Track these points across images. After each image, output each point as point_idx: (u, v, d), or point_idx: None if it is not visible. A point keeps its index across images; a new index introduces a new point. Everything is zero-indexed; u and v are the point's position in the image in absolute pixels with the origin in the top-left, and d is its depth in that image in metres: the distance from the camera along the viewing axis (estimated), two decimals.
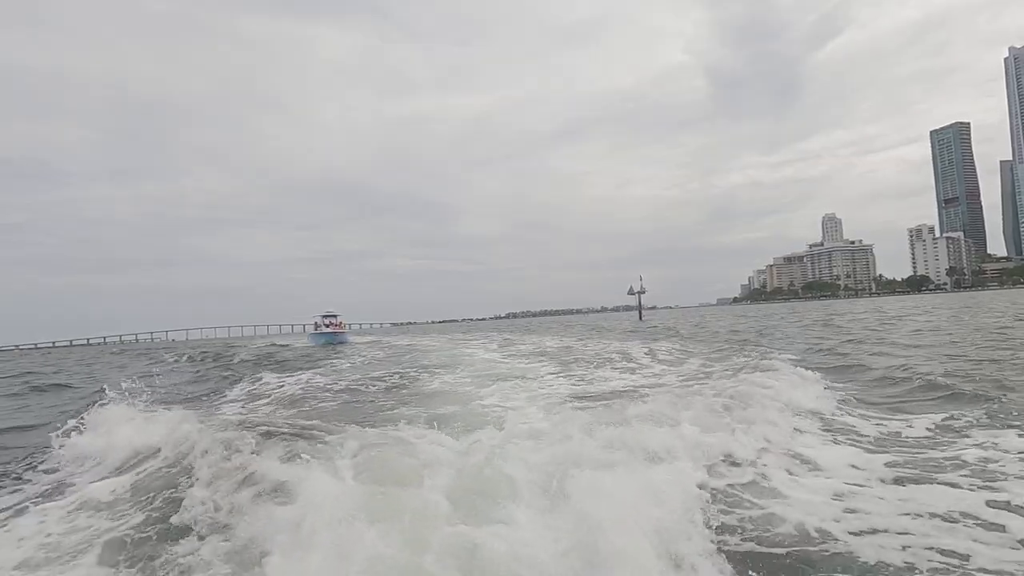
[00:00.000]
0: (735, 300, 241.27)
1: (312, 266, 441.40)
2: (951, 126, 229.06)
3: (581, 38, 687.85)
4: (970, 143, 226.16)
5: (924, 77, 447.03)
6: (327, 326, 42.52)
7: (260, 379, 13.72)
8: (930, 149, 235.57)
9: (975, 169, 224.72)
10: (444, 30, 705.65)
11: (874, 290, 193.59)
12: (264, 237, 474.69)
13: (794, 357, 11.15)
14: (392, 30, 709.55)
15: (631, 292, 62.86)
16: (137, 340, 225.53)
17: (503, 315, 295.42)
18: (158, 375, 14.59)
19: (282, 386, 12.11)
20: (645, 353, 14.46)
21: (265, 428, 5.06)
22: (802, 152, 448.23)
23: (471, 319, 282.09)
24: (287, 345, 37.60)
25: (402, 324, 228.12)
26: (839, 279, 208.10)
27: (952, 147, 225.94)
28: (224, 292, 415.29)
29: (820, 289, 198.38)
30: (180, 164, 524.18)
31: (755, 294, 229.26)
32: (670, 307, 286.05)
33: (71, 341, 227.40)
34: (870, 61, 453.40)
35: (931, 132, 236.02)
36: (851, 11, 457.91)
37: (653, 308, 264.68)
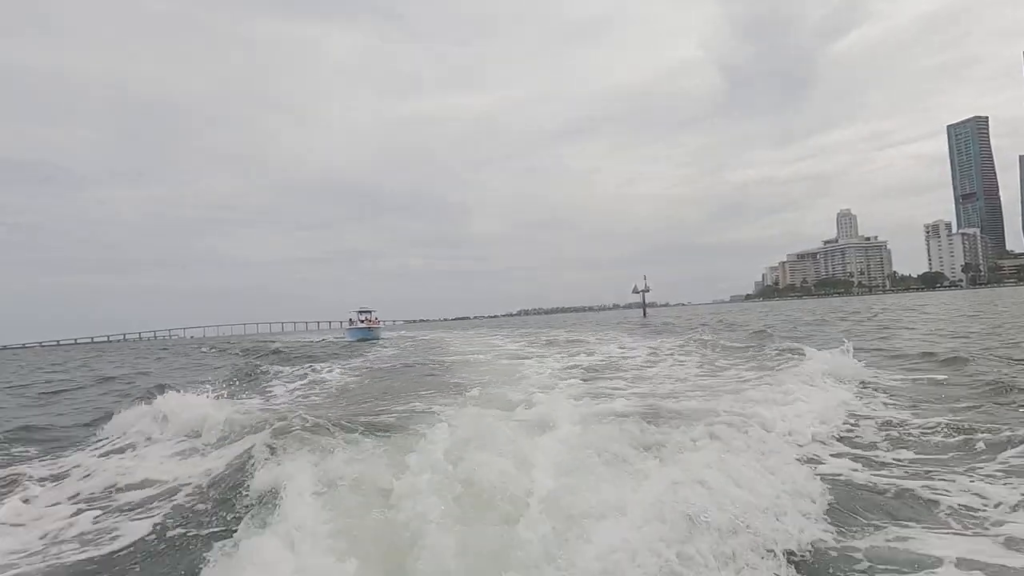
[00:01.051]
0: (747, 297, 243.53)
1: (318, 265, 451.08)
2: (969, 120, 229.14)
3: (587, 36, 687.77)
4: (988, 137, 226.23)
5: (941, 70, 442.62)
6: (362, 322, 43.42)
7: (337, 365, 18.37)
8: (947, 144, 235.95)
9: (993, 164, 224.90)
10: (449, 29, 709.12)
11: (888, 287, 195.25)
12: (269, 237, 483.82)
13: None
14: (396, 30, 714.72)
15: (635, 291, 67.97)
16: (155, 336, 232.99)
17: (515, 312, 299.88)
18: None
19: (365, 367, 16.78)
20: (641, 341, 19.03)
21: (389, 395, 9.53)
22: (816, 147, 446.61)
23: (482, 316, 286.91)
24: (319, 341, 41.47)
25: (415, 321, 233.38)
26: (852, 276, 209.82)
27: (970, 142, 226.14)
28: (230, 291, 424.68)
29: (833, 286, 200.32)
30: (187, 165, 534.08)
31: (767, 291, 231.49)
32: (683, 304, 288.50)
33: (92, 338, 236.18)
34: (886, 54, 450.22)
35: (948, 127, 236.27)
36: (866, 3, 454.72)
37: (666, 304, 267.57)
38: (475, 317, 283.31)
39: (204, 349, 39.87)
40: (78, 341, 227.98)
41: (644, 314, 63.66)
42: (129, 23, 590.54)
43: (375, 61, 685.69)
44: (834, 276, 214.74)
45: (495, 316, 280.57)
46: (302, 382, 12.19)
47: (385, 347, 28.70)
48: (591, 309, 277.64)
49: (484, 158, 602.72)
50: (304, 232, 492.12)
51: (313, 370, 14.65)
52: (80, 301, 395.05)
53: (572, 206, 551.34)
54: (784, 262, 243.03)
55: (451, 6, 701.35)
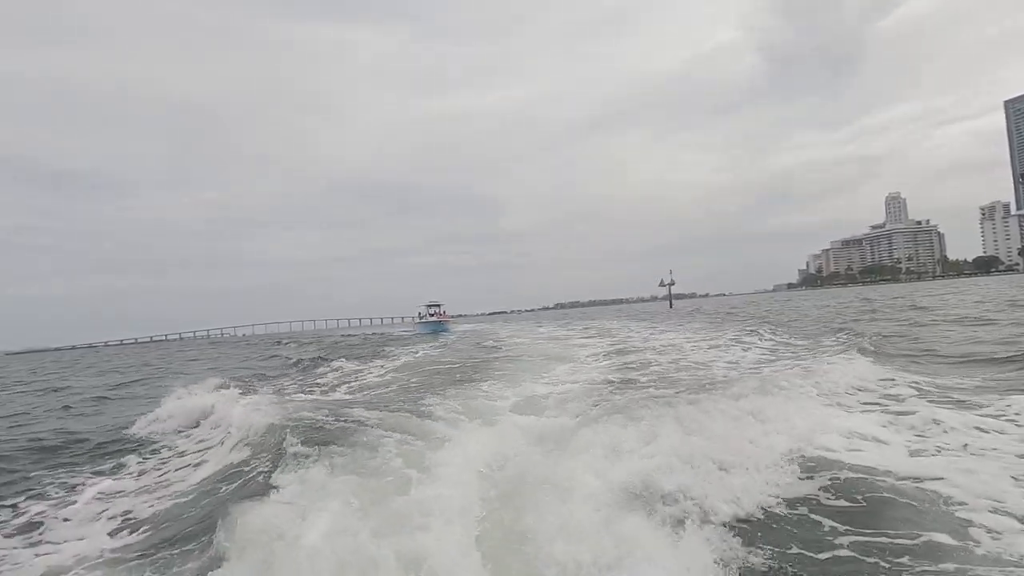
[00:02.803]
0: (789, 286, 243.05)
1: (354, 263, 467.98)
2: None
3: (619, 25, 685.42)
4: None
5: (999, 42, 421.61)
6: (431, 316, 45.52)
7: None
8: (1004, 120, 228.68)
9: None
10: (478, 24, 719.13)
11: (938, 273, 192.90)
12: (305, 236, 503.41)
13: None
14: (424, 28, 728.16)
15: (662, 284, 75.68)
16: (208, 335, 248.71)
17: (551, 306, 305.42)
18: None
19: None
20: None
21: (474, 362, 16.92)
22: (864, 129, 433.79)
23: (520, 311, 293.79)
24: (384, 334, 48.11)
25: (453, 317, 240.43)
26: (900, 262, 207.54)
27: None
28: (270, 289, 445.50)
29: (879, 273, 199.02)
30: (227, 169, 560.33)
31: (810, 279, 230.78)
32: (723, 294, 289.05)
33: (151, 337, 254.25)
34: (938, 27, 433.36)
35: (1005, 102, 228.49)
36: None
37: (706, 295, 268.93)
38: (512, 311, 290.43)
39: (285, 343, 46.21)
40: (138, 340, 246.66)
41: (671, 305, 71.00)
42: (172, 35, 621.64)
43: (405, 60, 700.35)
44: (881, 263, 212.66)
45: (532, 310, 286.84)
46: None
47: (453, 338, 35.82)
48: (629, 301, 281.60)
49: (517, 152, 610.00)
50: (340, 231, 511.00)
51: None
52: (125, 303, 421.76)
53: (607, 197, 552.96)
54: (828, 249, 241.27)
55: (485, 1, 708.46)
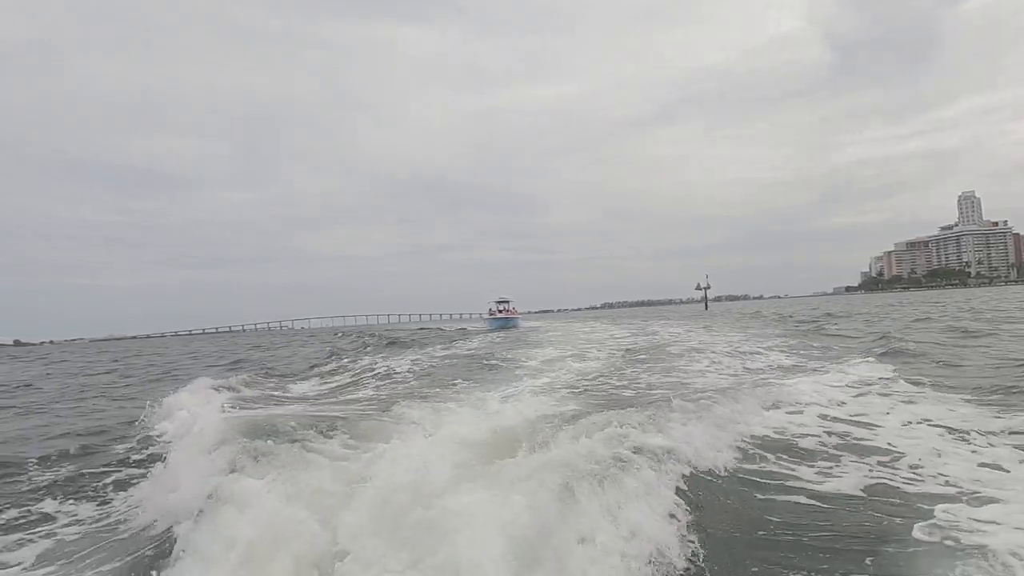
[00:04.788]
0: (847, 289, 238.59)
1: (406, 259, 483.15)
2: None
3: (673, 16, 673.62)
4: None
5: None
6: (500, 311, 47.37)
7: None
8: None
9: None
10: (522, 18, 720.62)
11: (1012, 278, 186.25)
12: (360, 233, 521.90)
13: None
14: (468, 23, 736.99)
15: (698, 288, 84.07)
16: (268, 328, 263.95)
17: (598, 305, 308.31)
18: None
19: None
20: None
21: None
22: (938, 122, 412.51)
23: (565, 309, 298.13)
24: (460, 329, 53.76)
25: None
26: (969, 265, 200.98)
27: None
28: (327, 286, 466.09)
29: (946, 277, 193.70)
30: (287, 168, 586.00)
31: (869, 283, 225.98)
32: (778, 296, 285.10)
33: (216, 328, 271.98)
34: None
35: None
36: None
37: (760, 297, 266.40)
38: (558, 310, 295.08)
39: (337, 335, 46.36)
40: (205, 331, 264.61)
41: (706, 307, 78.16)
42: (240, 40, 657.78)
43: (450, 56, 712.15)
44: (948, 266, 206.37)
45: (579, 309, 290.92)
46: None
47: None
48: (678, 302, 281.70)
49: (563, 148, 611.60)
50: (397, 227, 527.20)
51: None
52: (188, 296, 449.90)
53: (656, 194, 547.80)
54: (891, 252, 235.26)
55: None
